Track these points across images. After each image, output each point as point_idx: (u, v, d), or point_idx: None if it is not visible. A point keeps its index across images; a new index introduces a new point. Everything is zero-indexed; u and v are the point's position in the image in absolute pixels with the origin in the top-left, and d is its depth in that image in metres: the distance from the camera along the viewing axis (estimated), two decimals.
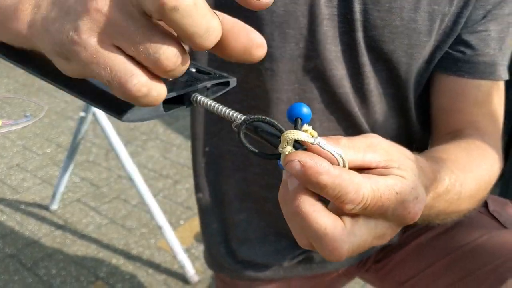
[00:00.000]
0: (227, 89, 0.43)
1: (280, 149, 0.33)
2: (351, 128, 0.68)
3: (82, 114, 1.58)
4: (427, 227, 0.76)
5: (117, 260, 1.61)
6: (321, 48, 0.61)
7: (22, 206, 1.88)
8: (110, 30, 0.29)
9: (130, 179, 1.51)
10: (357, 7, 0.60)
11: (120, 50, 0.30)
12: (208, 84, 0.41)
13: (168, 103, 0.38)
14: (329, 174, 0.31)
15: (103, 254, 1.64)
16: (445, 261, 0.71)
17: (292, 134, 0.33)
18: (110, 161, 2.16)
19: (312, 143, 0.32)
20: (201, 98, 0.39)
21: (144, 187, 1.49)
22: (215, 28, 0.29)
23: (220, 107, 0.38)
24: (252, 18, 0.59)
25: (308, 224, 0.32)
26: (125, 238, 1.71)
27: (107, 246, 1.67)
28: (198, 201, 0.80)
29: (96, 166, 2.14)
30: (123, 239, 1.71)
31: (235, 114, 0.36)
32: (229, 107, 0.37)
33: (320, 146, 0.32)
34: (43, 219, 1.81)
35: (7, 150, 2.26)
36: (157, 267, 1.58)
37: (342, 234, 0.32)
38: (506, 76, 0.67)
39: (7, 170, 2.11)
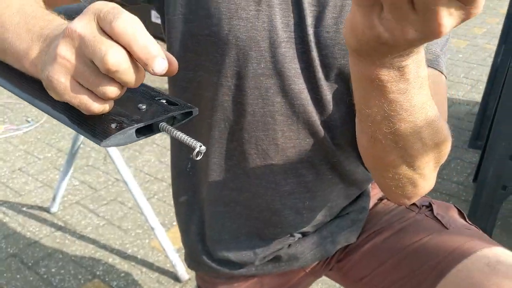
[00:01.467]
0: (191, 117, 0.53)
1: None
2: (311, 136, 0.76)
3: None
4: (381, 230, 0.85)
5: (113, 259, 1.71)
6: (280, 67, 0.70)
7: (24, 208, 1.98)
8: (74, 72, 0.44)
9: (125, 182, 1.61)
10: (310, 30, 0.68)
11: (81, 85, 0.45)
12: (175, 114, 0.50)
13: (140, 130, 0.48)
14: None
15: (100, 253, 1.74)
16: (394, 260, 0.81)
17: None
18: (108, 165, 2.25)
19: None
20: (167, 127, 0.49)
21: (138, 190, 1.59)
22: (143, 75, 0.46)
23: (182, 135, 0.47)
24: (219, 43, 0.69)
25: None
26: (121, 238, 1.81)
27: (104, 246, 1.77)
28: (178, 206, 0.90)
29: (94, 170, 2.24)
30: (119, 239, 1.80)
31: (193, 142, 0.46)
32: (189, 135, 0.47)
33: None
34: (43, 221, 1.91)
35: (10, 155, 2.36)
36: (150, 266, 1.67)
37: None
38: (444, 70, 0.72)
39: (10, 174, 2.21)
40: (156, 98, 0.52)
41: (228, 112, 0.74)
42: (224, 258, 0.88)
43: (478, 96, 2.88)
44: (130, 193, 1.60)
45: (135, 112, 0.49)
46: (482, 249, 0.73)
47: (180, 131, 0.48)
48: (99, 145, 0.46)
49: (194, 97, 0.75)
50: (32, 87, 0.53)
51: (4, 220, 1.90)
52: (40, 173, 2.23)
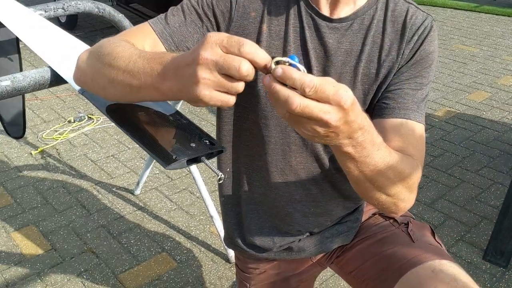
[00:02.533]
0: (221, 153, 0.85)
1: (272, 64, 0.63)
2: (316, 161, 1.04)
3: None
4: (366, 237, 1.13)
5: (179, 238, 2.08)
6: None
7: (114, 189, 2.42)
8: (214, 86, 0.63)
9: (193, 177, 1.97)
10: None
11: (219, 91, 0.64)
12: (212, 151, 0.83)
13: (189, 160, 0.81)
14: (297, 73, 0.64)
15: (169, 232, 2.12)
16: (372, 260, 1.08)
17: (276, 59, 0.63)
18: None
19: (286, 62, 0.62)
20: (205, 160, 0.81)
21: (202, 184, 1.94)
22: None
23: (212, 167, 0.79)
24: (253, 93, 0.99)
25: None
26: (187, 222, 2.19)
27: (173, 227, 2.15)
28: (222, 203, 1.22)
29: None
30: (185, 222, 2.18)
31: (218, 172, 0.78)
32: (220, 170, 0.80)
33: (291, 63, 0.62)
34: (128, 201, 2.33)
35: (106, 143, 2.83)
36: (207, 247, 2.03)
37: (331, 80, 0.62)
38: (420, 120, 0.95)
39: (105, 159, 2.67)
40: (202, 139, 0.85)
41: (258, 141, 1.05)
42: (252, 243, 1.19)
43: None
44: (197, 186, 1.96)
45: (188, 148, 0.82)
46: (433, 260, 0.98)
47: (210, 163, 0.80)
48: (165, 168, 0.79)
49: (236, 130, 1.07)
50: (131, 125, 0.88)
51: (98, 197, 2.35)
52: (128, 160, 2.66)
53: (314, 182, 1.07)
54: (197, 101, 0.65)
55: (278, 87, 0.61)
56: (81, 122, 3.01)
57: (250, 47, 0.62)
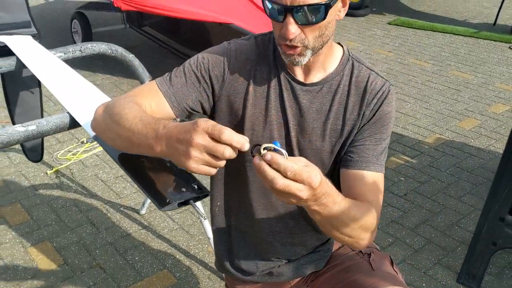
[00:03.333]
0: (206, 197, 1.05)
1: (261, 150, 0.82)
2: None
3: None
4: (336, 265, 1.32)
5: (179, 256, 2.28)
6: None
7: (121, 208, 2.62)
8: (202, 162, 0.81)
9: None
10: (294, 140, 1.17)
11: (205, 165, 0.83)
12: (199, 195, 1.03)
13: (180, 203, 1.01)
14: (281, 159, 0.85)
15: (171, 250, 2.32)
16: (338, 286, 1.27)
17: (264, 145, 0.82)
18: None
19: (273, 149, 0.82)
20: (193, 203, 1.01)
21: (201, 208, 2.14)
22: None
23: (198, 209, 1.00)
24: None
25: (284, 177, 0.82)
26: (188, 241, 2.39)
27: (174, 245, 2.35)
28: (214, 231, 1.42)
29: None
30: (186, 241, 2.38)
31: (202, 214, 0.98)
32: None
33: (277, 149, 0.82)
34: (134, 220, 2.54)
35: (115, 164, 3.04)
36: (205, 265, 2.22)
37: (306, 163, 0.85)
38: (380, 170, 1.16)
39: (114, 179, 2.88)
40: (192, 184, 1.05)
41: (244, 180, 1.25)
42: (238, 267, 1.39)
43: None
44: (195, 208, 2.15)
45: (179, 192, 1.02)
46: (388, 287, 1.17)
47: (197, 206, 1.00)
48: (160, 210, 0.99)
49: (226, 169, 1.27)
50: (135, 171, 1.09)
51: (107, 215, 2.56)
52: None
53: (291, 216, 1.27)
54: (185, 168, 0.85)
55: (266, 168, 0.82)
56: (93, 143, 3.23)
57: (227, 136, 0.81)
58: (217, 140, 0.81)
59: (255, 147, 0.83)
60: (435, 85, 4.36)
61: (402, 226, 2.52)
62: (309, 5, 0.97)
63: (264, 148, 0.82)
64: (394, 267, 1.29)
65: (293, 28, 1.00)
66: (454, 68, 4.79)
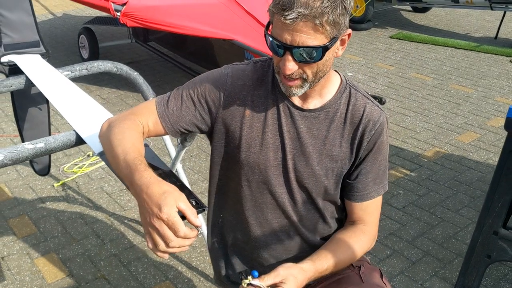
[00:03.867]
0: (203, 212, 1.11)
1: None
2: (286, 218, 1.30)
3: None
4: (326, 278, 1.38)
5: (181, 268, 2.34)
6: (269, 178, 1.26)
7: (126, 221, 2.69)
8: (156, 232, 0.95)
9: None
10: (290, 163, 1.24)
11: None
12: (196, 210, 1.09)
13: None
14: None
15: (173, 262, 2.38)
16: None
17: (246, 281, 1.05)
18: None
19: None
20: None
21: (203, 221, 2.20)
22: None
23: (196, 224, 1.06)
24: (237, 162, 1.26)
25: None
26: (190, 253, 2.44)
27: (176, 257, 2.41)
28: (212, 244, 1.48)
29: None
30: (188, 253, 2.44)
31: (198, 228, 1.04)
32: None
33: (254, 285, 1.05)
34: (138, 232, 2.60)
35: None
36: (206, 277, 2.28)
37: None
38: (380, 193, 1.28)
39: (118, 192, 2.96)
40: (190, 199, 1.11)
41: (241, 198, 1.32)
42: (235, 281, 1.45)
43: None
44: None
45: None
46: None
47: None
48: None
49: (224, 186, 1.33)
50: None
51: (111, 228, 2.62)
52: None
53: (285, 233, 1.33)
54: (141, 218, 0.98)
55: None
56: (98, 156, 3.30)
57: (182, 234, 0.93)
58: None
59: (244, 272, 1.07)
60: (436, 98, 4.41)
61: (400, 238, 2.57)
62: (307, 47, 1.04)
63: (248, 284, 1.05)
64: (383, 279, 1.35)
65: (290, 65, 1.07)
66: (454, 81, 4.85)
